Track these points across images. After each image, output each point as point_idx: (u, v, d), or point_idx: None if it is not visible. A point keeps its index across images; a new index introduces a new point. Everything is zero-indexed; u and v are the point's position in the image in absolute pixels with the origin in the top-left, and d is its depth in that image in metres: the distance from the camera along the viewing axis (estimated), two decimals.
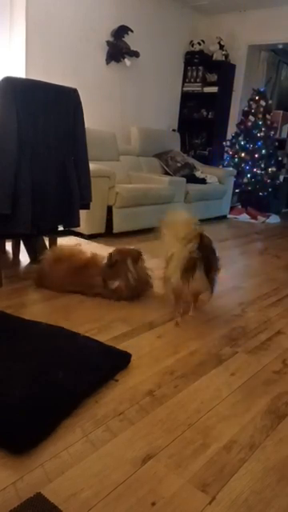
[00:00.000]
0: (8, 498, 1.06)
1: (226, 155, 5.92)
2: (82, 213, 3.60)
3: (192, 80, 5.87)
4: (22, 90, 2.26)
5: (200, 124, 5.95)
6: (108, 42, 4.70)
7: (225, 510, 1.08)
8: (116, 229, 3.96)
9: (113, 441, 1.29)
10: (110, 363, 1.67)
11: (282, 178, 6.14)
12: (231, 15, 5.82)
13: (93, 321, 2.12)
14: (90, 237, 3.81)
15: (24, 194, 2.32)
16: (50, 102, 2.39)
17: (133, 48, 4.88)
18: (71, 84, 2.93)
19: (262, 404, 1.54)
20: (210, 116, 5.88)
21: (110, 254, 2.43)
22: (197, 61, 5.74)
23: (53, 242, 2.80)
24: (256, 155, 5.66)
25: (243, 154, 5.70)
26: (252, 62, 6.03)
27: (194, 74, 5.84)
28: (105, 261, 2.44)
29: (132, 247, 2.56)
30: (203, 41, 5.74)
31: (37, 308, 2.23)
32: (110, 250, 2.51)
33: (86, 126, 2.67)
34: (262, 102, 5.63)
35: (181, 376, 1.68)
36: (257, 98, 5.64)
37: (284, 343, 2.06)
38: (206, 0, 5.40)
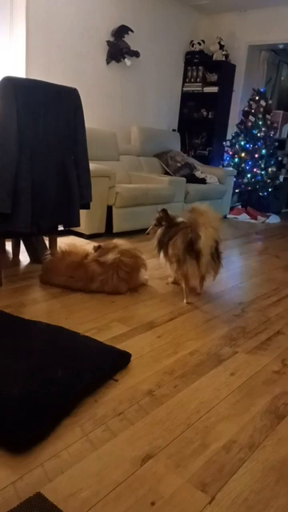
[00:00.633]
0: (7, 497, 1.06)
1: (226, 155, 5.92)
2: (82, 212, 3.62)
3: (192, 80, 5.87)
4: (23, 90, 2.27)
5: (200, 124, 5.95)
6: (108, 42, 4.70)
7: (224, 510, 1.08)
8: (116, 229, 3.96)
9: (112, 440, 1.29)
10: (109, 363, 1.67)
11: (281, 178, 6.14)
12: (231, 15, 5.82)
13: (92, 320, 2.12)
14: (90, 236, 3.81)
15: (24, 193, 2.32)
16: (51, 102, 2.39)
17: (133, 48, 4.88)
18: (71, 84, 2.94)
19: (262, 404, 1.54)
20: (210, 116, 5.88)
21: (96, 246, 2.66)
22: (197, 61, 5.75)
23: (53, 242, 2.80)
24: (256, 155, 5.67)
25: (243, 154, 5.71)
26: (252, 61, 6.03)
27: (194, 73, 5.84)
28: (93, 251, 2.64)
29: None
30: (203, 41, 5.74)
31: (36, 307, 2.23)
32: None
33: (86, 125, 2.68)
34: (262, 102, 5.63)
35: (180, 376, 1.68)
36: (257, 97, 5.64)
37: (284, 343, 2.06)
38: (207, 0, 5.40)
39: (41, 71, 4.10)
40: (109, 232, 3.92)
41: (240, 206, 5.97)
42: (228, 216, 5.72)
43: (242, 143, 5.71)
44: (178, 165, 5.15)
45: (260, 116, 5.64)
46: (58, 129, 2.46)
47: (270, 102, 5.84)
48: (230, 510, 1.08)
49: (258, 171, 5.69)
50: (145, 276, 2.73)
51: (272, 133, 5.77)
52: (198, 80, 5.81)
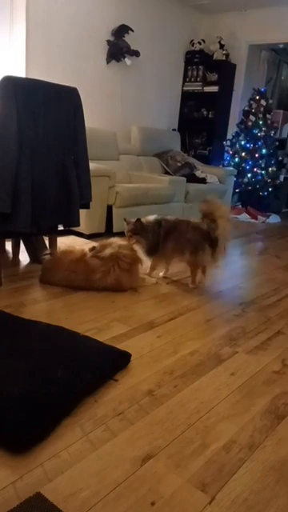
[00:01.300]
0: (7, 497, 1.06)
1: (226, 155, 5.92)
2: (82, 212, 3.61)
3: (192, 79, 5.87)
4: (23, 90, 2.26)
5: (200, 123, 5.95)
6: (108, 42, 4.70)
7: (224, 510, 1.08)
8: (116, 228, 3.96)
9: (112, 440, 1.29)
10: (109, 363, 1.67)
11: (282, 177, 6.14)
12: (232, 15, 5.81)
13: (92, 320, 2.12)
14: (90, 236, 3.81)
15: (24, 193, 2.32)
16: (51, 102, 2.39)
17: (133, 47, 4.87)
18: (71, 83, 2.93)
19: (262, 404, 1.54)
20: (210, 115, 5.88)
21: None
22: (197, 60, 5.74)
23: (53, 242, 2.80)
24: (256, 155, 5.66)
25: (243, 154, 5.71)
26: (252, 61, 6.02)
27: (195, 73, 5.83)
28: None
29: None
30: (204, 40, 5.73)
31: (36, 307, 2.23)
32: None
33: (86, 125, 2.67)
34: (263, 102, 5.63)
35: (180, 376, 1.68)
36: (257, 97, 5.64)
37: (284, 343, 2.06)
38: None
39: (41, 71, 4.09)
40: (109, 232, 3.92)
41: (240, 206, 5.97)
42: None
43: (243, 143, 5.71)
44: (178, 164, 5.15)
45: (260, 115, 5.64)
46: (57, 128, 2.46)
47: (270, 101, 5.84)
48: (230, 510, 1.08)
49: (259, 171, 5.69)
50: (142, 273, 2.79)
51: (272, 132, 5.77)
52: (199, 79, 5.81)
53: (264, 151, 5.65)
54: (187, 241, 2.65)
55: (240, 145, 5.73)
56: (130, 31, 4.82)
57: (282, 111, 6.56)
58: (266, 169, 5.71)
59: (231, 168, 5.62)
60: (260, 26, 5.62)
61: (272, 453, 1.30)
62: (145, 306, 2.38)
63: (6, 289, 2.45)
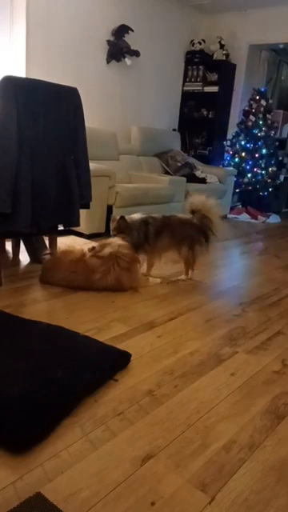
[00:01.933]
0: (7, 497, 1.06)
1: (226, 155, 5.91)
2: (82, 212, 3.61)
3: (192, 79, 5.86)
4: (23, 89, 2.26)
5: (200, 123, 5.95)
6: (108, 42, 4.70)
7: (224, 510, 1.08)
8: None
9: (112, 440, 1.29)
10: (109, 363, 1.67)
11: (282, 177, 6.14)
12: (232, 15, 5.81)
13: (93, 320, 2.12)
14: (90, 236, 3.81)
15: (24, 193, 2.32)
16: (51, 101, 2.39)
17: (133, 47, 4.87)
18: (71, 83, 2.93)
19: (262, 404, 1.54)
20: (210, 115, 5.88)
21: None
22: (197, 60, 5.74)
23: (53, 242, 2.80)
24: (256, 155, 5.66)
25: (243, 154, 5.70)
26: (252, 61, 6.02)
27: (195, 73, 5.83)
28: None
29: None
30: (204, 40, 5.73)
31: (36, 307, 2.23)
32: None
33: (87, 125, 2.67)
34: (263, 102, 5.63)
35: (180, 376, 1.68)
36: (257, 97, 5.64)
37: (284, 343, 2.06)
38: None
39: (41, 71, 4.09)
40: (109, 232, 3.90)
41: (240, 206, 5.97)
42: (228, 216, 5.71)
43: (243, 143, 5.71)
44: (178, 164, 5.15)
45: (260, 116, 5.64)
46: (58, 128, 2.46)
47: (270, 101, 5.84)
48: (230, 510, 1.08)
49: (259, 171, 5.69)
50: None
51: (272, 132, 5.77)
52: (199, 79, 5.81)
53: (264, 151, 5.65)
54: (184, 236, 2.76)
55: (240, 145, 5.73)
56: (130, 31, 4.82)
57: (282, 111, 6.56)
58: (266, 169, 5.71)
59: (231, 168, 5.62)
60: (260, 26, 5.62)
61: (272, 453, 1.30)
62: (145, 306, 2.38)
63: (6, 289, 2.45)
